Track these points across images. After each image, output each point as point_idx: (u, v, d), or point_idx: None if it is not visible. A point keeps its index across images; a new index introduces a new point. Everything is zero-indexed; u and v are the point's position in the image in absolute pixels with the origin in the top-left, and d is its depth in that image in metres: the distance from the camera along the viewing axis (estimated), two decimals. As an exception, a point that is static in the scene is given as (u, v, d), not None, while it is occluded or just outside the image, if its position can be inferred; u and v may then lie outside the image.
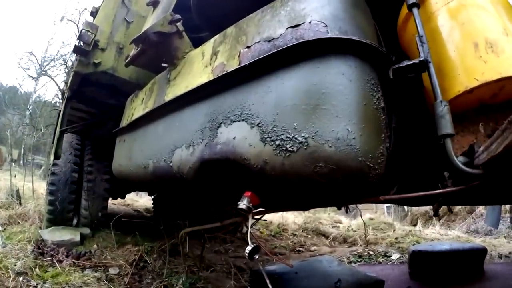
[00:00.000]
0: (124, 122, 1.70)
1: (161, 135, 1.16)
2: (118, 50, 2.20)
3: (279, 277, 2.02)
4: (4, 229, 3.63)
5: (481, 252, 2.59)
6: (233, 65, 0.83)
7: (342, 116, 0.62)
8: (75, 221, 3.63)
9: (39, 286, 2.42)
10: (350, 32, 0.66)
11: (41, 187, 6.77)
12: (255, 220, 0.89)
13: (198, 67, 1.05)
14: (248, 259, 0.89)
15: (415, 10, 0.70)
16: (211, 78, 0.92)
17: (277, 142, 0.66)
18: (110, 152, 1.89)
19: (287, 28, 0.72)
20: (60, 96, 10.57)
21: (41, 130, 11.07)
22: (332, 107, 0.63)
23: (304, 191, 0.72)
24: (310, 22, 0.69)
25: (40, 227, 3.69)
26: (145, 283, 2.62)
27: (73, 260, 2.89)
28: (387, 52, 0.70)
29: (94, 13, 2.45)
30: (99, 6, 2.39)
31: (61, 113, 2.97)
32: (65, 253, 2.98)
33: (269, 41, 0.75)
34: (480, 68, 0.67)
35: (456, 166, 0.66)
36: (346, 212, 2.43)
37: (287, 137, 0.65)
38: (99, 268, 2.92)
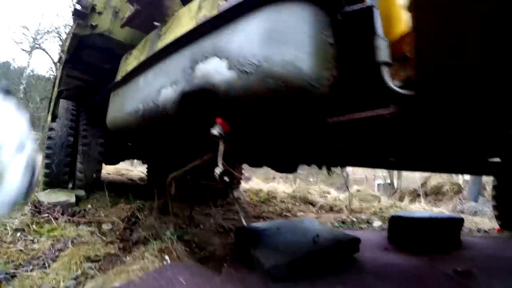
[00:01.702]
0: (118, 78, 1.86)
1: (151, 80, 1.34)
2: (114, 14, 2.32)
3: (262, 231, 2.18)
4: (-2, 190, 3.73)
5: (458, 222, 2.69)
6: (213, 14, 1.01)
7: (292, 45, 0.80)
8: (70, 185, 3.78)
9: (35, 240, 2.57)
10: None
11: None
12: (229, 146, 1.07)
13: (185, 20, 1.21)
14: (219, 181, 1.08)
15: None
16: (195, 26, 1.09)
17: (240, 68, 0.85)
18: (104, 117, 2.04)
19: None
20: (54, 69, 10.58)
21: (36, 104, 11.08)
22: (284, 39, 0.81)
23: (262, 111, 0.91)
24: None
25: (36, 190, 3.83)
26: (136, 235, 2.80)
27: (68, 217, 3.08)
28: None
29: None
30: None
31: (58, 77, 3.09)
32: (61, 211, 3.15)
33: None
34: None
35: (391, 89, 0.84)
36: (329, 173, 2.60)
37: (247, 63, 0.83)
38: (93, 223, 3.09)
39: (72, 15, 2.20)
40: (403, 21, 0.92)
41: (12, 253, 2.27)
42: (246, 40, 0.87)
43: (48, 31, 11.70)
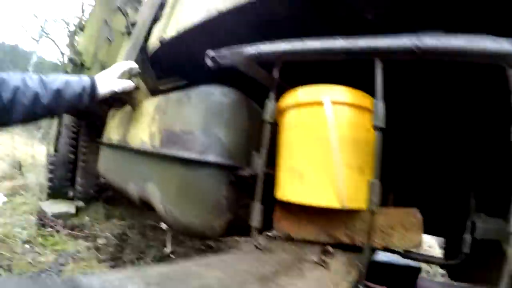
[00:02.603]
0: (105, 136, 2.20)
1: (123, 164, 1.67)
2: (101, 68, 2.62)
3: None
4: (9, 200, 4.21)
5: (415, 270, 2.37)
6: (157, 142, 1.32)
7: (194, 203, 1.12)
8: (71, 193, 4.18)
9: (41, 253, 3.01)
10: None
11: (41, 150, 7.31)
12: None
13: (144, 124, 1.53)
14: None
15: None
16: (145, 145, 1.41)
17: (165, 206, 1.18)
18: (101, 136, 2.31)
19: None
20: (61, 58, 10.95)
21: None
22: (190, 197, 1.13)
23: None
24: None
25: (41, 199, 4.25)
26: (125, 253, 3.20)
27: (69, 231, 3.50)
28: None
29: (81, 28, 2.83)
30: (86, 22, 2.78)
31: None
32: (63, 225, 3.57)
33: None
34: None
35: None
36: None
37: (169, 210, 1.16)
38: (89, 238, 3.52)
39: (66, 73, 2.51)
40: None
41: (23, 265, 2.74)
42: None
43: (56, 20, 12.01)
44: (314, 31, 0.89)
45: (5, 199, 4.20)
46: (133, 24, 2.24)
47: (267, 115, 1.01)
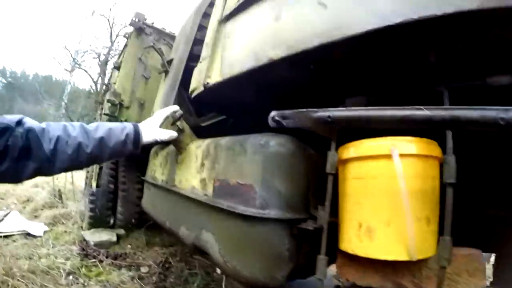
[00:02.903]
0: (148, 174, 2.23)
1: (173, 207, 1.67)
2: (139, 106, 2.69)
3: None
4: (51, 229, 4.35)
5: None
6: (209, 191, 1.30)
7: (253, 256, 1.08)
8: (111, 221, 4.28)
9: (86, 283, 3.05)
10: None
11: (80, 178, 7.57)
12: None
13: (192, 168, 1.52)
14: None
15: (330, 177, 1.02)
16: (196, 192, 1.39)
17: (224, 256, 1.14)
18: (139, 165, 2.34)
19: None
20: (93, 87, 11.57)
21: (77, 120, 12.02)
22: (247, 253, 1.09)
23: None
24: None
25: (82, 227, 4.37)
26: (169, 281, 3.20)
27: (112, 260, 3.55)
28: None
29: (117, 67, 2.93)
30: (121, 61, 2.87)
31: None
32: (105, 254, 3.64)
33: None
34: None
35: None
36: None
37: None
38: (133, 267, 3.55)
39: (104, 114, 2.58)
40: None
41: (68, 297, 2.76)
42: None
43: (87, 51, 12.65)
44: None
45: (46, 228, 4.36)
46: (169, 62, 2.28)
47: (330, 167, 0.98)
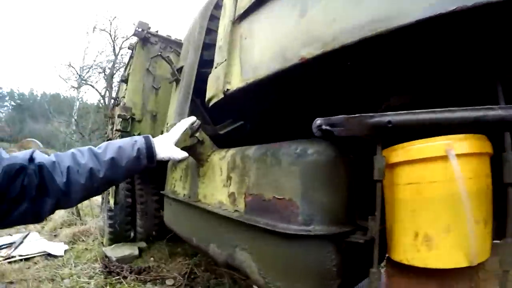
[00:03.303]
0: (168, 188, 2.12)
1: (200, 223, 1.56)
2: (152, 118, 2.58)
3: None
4: (71, 247, 4.29)
5: None
6: (241, 207, 1.18)
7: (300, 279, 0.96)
8: (132, 234, 4.21)
9: (112, 303, 2.96)
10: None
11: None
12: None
13: (218, 182, 1.41)
14: None
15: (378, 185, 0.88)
16: (225, 208, 1.28)
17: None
18: (155, 177, 2.23)
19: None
20: (101, 101, 11.64)
21: (89, 134, 12.08)
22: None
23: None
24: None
25: (102, 243, 4.30)
26: (195, 295, 3.09)
27: (136, 276, 3.47)
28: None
29: (124, 80, 2.83)
30: (128, 74, 2.77)
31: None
32: (129, 270, 3.56)
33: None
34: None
35: None
36: None
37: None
38: (158, 280, 3.47)
39: (116, 130, 2.48)
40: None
41: (94, 317, 2.69)
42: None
43: (92, 66, 12.70)
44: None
45: (67, 247, 4.31)
46: (179, 70, 2.17)
47: (378, 173, 0.87)
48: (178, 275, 3.48)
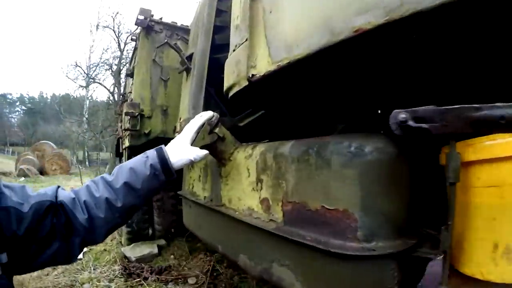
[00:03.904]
0: (185, 188, 1.93)
1: (226, 231, 1.37)
2: (163, 113, 2.36)
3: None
4: (89, 249, 4.20)
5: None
6: (278, 217, 0.97)
7: None
8: (150, 232, 4.10)
9: (134, 305, 2.84)
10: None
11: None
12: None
13: (245, 184, 1.20)
14: None
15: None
16: (258, 216, 1.07)
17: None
18: None
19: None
20: (111, 97, 11.57)
21: (101, 132, 12.06)
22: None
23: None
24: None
25: (121, 242, 4.20)
26: (220, 293, 2.95)
27: (157, 276, 3.35)
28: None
29: (130, 75, 2.60)
30: (133, 67, 2.53)
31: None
32: (149, 270, 3.45)
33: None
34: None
35: None
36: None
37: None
38: (179, 280, 3.34)
39: (125, 130, 2.27)
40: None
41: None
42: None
43: (98, 64, 12.59)
44: None
45: (85, 248, 4.22)
46: (188, 58, 1.94)
47: (453, 174, 0.70)
48: (200, 273, 3.34)
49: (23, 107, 49.02)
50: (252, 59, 1.03)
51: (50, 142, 16.27)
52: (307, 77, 0.96)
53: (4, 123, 41.56)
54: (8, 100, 48.60)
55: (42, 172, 14.11)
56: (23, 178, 12.15)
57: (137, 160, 1.02)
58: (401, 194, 0.83)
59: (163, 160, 1.03)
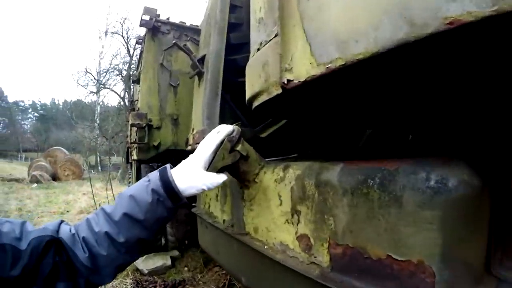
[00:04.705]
0: (200, 206, 1.73)
1: (251, 263, 1.17)
2: (173, 122, 2.14)
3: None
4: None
5: None
6: (322, 260, 0.75)
7: None
8: (163, 242, 3.95)
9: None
10: None
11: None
12: None
13: (276, 213, 0.99)
14: None
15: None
16: (294, 255, 0.85)
17: None
18: None
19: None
20: (121, 103, 11.55)
21: (112, 138, 12.09)
22: None
23: None
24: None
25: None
26: (237, 308, 2.79)
27: (171, 291, 3.15)
28: None
29: (136, 80, 2.39)
30: (139, 73, 2.31)
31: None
32: (162, 285, 3.28)
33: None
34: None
35: None
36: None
37: None
38: (195, 295, 3.14)
39: (132, 143, 2.07)
40: None
41: None
42: None
43: (108, 70, 12.62)
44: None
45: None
46: (200, 60, 1.73)
47: None
48: (216, 287, 3.15)
49: (36, 114, 49.98)
50: (286, 60, 0.81)
51: (62, 148, 16.36)
52: (362, 82, 0.73)
53: (17, 130, 42.44)
54: (21, 107, 49.67)
55: (54, 178, 14.18)
56: (35, 184, 12.20)
57: (138, 186, 0.87)
58: (484, 235, 0.66)
59: (167, 183, 0.86)
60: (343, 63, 0.62)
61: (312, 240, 0.83)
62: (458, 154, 0.66)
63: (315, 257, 0.82)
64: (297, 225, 0.89)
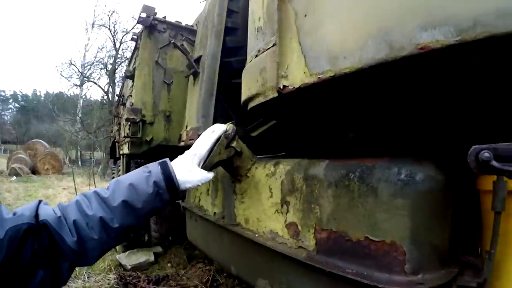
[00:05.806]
0: (190, 200, 1.81)
1: (241, 252, 1.28)
2: (165, 119, 2.22)
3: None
4: (83, 256, 4.01)
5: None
6: (309, 244, 0.87)
7: None
8: (146, 238, 3.96)
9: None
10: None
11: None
12: None
13: (267, 205, 1.09)
14: None
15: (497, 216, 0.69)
16: (283, 242, 0.96)
17: None
18: None
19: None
20: (105, 97, 11.35)
21: (94, 132, 11.86)
22: None
23: None
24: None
25: (115, 249, 4.04)
26: (221, 304, 2.84)
27: (154, 286, 3.21)
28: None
29: (130, 76, 2.44)
30: (134, 68, 2.37)
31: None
32: (146, 280, 3.31)
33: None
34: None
35: None
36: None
37: None
38: (178, 291, 3.19)
39: (125, 137, 2.13)
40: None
41: None
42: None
43: (93, 63, 12.37)
44: None
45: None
46: (196, 61, 1.82)
47: (500, 204, 0.69)
48: (200, 283, 3.22)
49: (16, 105, 48.25)
50: (283, 68, 0.92)
51: (43, 141, 15.91)
52: (346, 91, 0.85)
53: (-4, 120, 40.82)
54: (1, 97, 47.84)
55: (34, 171, 13.77)
56: (14, 177, 11.83)
57: (138, 176, 0.90)
58: (447, 223, 0.78)
59: (169, 177, 0.91)
60: (332, 75, 0.74)
61: (299, 227, 0.94)
62: (428, 155, 0.79)
63: (302, 242, 0.93)
64: (286, 214, 1.00)
